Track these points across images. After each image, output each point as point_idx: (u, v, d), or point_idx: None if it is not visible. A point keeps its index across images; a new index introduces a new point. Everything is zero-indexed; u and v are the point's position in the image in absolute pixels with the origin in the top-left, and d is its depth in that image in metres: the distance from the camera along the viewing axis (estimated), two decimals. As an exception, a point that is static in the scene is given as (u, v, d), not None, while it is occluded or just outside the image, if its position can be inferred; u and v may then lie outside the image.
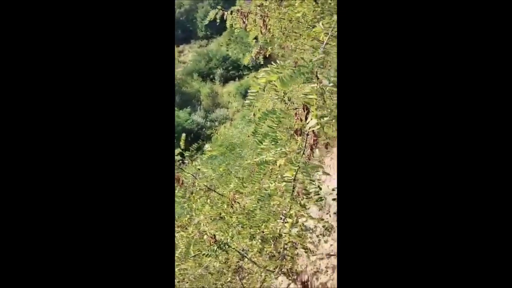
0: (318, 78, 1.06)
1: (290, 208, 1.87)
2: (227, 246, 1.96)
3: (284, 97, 3.39)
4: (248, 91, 1.28)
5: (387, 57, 0.77)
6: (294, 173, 1.50)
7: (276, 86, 1.32)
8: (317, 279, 2.40)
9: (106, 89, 0.79)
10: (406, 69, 0.76)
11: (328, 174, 1.58)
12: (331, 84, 0.88)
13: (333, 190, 1.64)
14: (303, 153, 1.58)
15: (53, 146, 0.75)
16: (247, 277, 2.68)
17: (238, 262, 2.72)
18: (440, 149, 0.73)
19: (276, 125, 1.31)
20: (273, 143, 1.41)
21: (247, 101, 1.26)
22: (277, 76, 0.96)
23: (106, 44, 0.78)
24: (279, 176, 1.79)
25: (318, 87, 1.13)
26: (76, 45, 0.76)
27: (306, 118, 1.30)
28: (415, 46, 0.76)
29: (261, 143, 1.47)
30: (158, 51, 0.82)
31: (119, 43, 0.79)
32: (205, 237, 1.93)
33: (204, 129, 15.78)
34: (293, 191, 1.66)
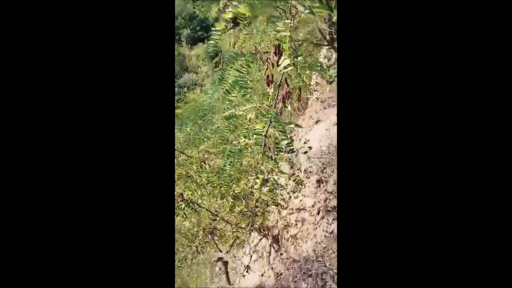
0: (290, 11, 0.93)
1: (262, 164, 1.83)
2: (196, 205, 1.91)
3: (256, 52, 3.20)
4: (212, 29, 1.12)
5: (386, 54, 0.71)
6: (265, 125, 1.43)
7: (246, 33, 1.17)
8: (287, 232, 2.49)
9: (106, 80, 0.77)
10: (405, 66, 0.71)
11: (300, 126, 1.54)
12: (307, 11, 0.77)
13: (304, 143, 1.60)
14: (275, 106, 1.49)
15: (51, 137, 0.75)
16: (219, 235, 2.71)
17: (211, 223, 2.73)
18: (439, 140, 0.70)
19: (245, 70, 1.19)
20: (242, 92, 1.30)
21: (211, 41, 1.10)
22: (246, 4, 0.83)
23: (106, 37, 0.77)
24: (250, 132, 1.72)
25: (292, 23, 1.01)
26: (75, 42, 0.76)
27: (278, 63, 1.19)
28: (415, 43, 0.70)
29: (229, 93, 1.35)
30: (157, 42, 0.79)
31: (119, 37, 0.78)
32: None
33: (172, 94, 14.96)
34: (264, 145, 1.60)
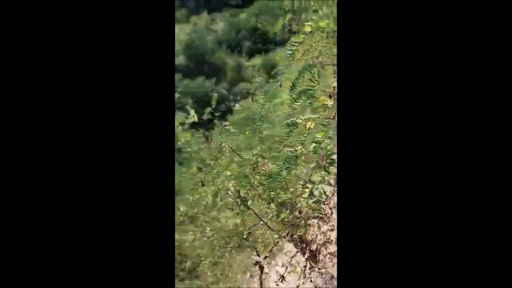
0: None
1: (313, 173, 1.87)
2: (248, 203, 2.01)
3: (318, 61, 3.25)
4: (292, 39, 1.23)
5: (388, 55, 0.73)
6: (325, 134, 1.48)
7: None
8: (325, 248, 2.45)
9: (107, 80, 0.77)
10: (405, 67, 0.72)
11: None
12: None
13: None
14: (334, 117, 1.54)
15: (52, 138, 0.75)
16: (260, 238, 2.78)
17: (255, 225, 2.81)
18: (439, 141, 0.71)
19: (316, 80, 1.27)
20: (309, 101, 1.38)
21: (288, 51, 1.22)
22: (327, 18, 0.92)
23: (105, 37, 0.76)
24: (306, 140, 1.77)
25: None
26: (76, 43, 0.75)
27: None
28: (414, 44, 0.72)
29: (295, 100, 1.44)
30: (158, 44, 0.79)
31: (119, 39, 0.77)
32: (230, 192, 1.99)
33: (226, 102, 15.76)
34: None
